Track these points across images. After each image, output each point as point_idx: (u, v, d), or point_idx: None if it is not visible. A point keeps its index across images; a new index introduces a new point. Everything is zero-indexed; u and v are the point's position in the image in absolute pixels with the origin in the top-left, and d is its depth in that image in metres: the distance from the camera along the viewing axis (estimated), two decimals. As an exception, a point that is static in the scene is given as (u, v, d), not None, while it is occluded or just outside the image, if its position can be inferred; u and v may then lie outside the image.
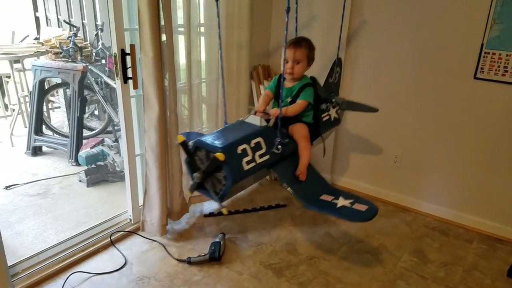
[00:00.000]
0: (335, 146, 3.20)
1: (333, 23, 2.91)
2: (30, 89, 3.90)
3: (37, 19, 5.44)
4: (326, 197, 1.91)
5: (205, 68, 2.65)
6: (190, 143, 1.81)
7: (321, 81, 2.47)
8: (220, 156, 1.64)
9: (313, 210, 1.93)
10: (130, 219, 2.57)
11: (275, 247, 2.46)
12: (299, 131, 2.09)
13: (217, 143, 1.75)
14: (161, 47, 2.14)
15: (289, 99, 2.14)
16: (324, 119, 2.30)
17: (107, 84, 3.99)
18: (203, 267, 2.25)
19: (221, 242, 2.35)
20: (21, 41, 4.68)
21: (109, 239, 2.41)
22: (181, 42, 2.42)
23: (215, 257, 2.26)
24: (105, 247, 2.38)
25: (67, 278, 2.10)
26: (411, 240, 2.59)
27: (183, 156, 1.84)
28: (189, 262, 2.26)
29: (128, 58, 2.18)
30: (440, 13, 2.52)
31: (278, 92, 2.08)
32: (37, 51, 4.00)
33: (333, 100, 2.38)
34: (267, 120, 2.02)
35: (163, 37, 2.13)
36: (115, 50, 2.17)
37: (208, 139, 1.81)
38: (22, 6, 5.37)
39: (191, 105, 2.55)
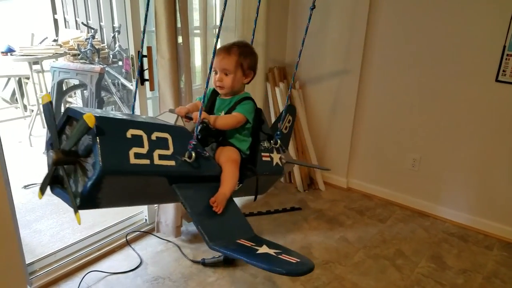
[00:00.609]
0: (351, 149, 3.17)
1: (348, 29, 2.89)
2: (49, 90, 3.96)
3: (55, 21, 5.53)
4: (244, 242, 1.40)
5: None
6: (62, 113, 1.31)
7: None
8: (89, 118, 1.12)
9: (221, 253, 1.47)
10: (146, 220, 2.59)
11: (289, 250, 2.45)
12: (227, 152, 1.61)
13: (99, 112, 1.27)
14: (177, 49, 2.15)
15: (222, 113, 1.69)
16: (264, 159, 1.80)
17: (124, 86, 4.03)
18: (217, 269, 2.24)
19: (236, 245, 2.34)
20: (40, 43, 4.77)
21: (124, 239, 2.43)
22: (197, 44, 2.42)
23: (230, 259, 2.26)
24: (120, 247, 2.40)
25: (84, 277, 2.13)
26: (429, 246, 2.54)
27: (38, 133, 1.29)
28: (203, 263, 2.26)
29: (145, 60, 2.19)
30: (461, 14, 2.48)
31: (211, 105, 1.71)
32: (56, 53, 4.06)
33: (278, 144, 1.89)
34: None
35: (180, 39, 2.14)
36: (132, 52, 2.19)
37: (91, 110, 1.27)
38: (41, 8, 5.47)
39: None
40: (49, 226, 2.62)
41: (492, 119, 2.52)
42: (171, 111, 1.63)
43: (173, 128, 1.43)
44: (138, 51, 2.14)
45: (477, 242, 2.61)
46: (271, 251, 1.35)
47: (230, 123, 1.62)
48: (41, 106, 4.11)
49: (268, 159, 1.83)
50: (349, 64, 2.96)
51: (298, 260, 1.29)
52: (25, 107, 4.79)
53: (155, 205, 2.54)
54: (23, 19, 5.26)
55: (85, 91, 3.92)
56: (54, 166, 1.23)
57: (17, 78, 4.63)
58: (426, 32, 2.62)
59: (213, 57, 1.51)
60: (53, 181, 1.31)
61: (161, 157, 1.33)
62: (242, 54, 1.66)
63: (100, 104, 3.64)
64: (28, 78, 4.51)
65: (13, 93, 5.00)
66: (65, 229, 2.58)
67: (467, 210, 2.74)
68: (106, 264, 2.25)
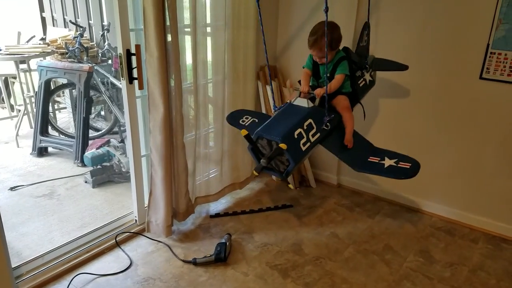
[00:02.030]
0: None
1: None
2: (36, 89, 3.92)
3: (43, 19, 5.47)
4: (373, 159, 2.03)
5: (211, 68, 2.65)
6: (253, 136, 1.94)
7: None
8: (283, 146, 1.78)
9: (365, 173, 2.03)
10: (136, 220, 2.57)
11: (281, 247, 2.46)
12: (341, 103, 2.17)
13: (276, 132, 1.87)
14: (166, 47, 2.14)
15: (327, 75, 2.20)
16: (361, 85, 2.37)
17: (113, 85, 4.00)
18: (208, 268, 2.25)
19: (227, 243, 2.35)
20: (27, 41, 4.70)
21: (114, 240, 2.42)
22: (187, 42, 2.41)
23: (221, 258, 2.26)
24: (110, 248, 2.38)
25: (72, 280, 2.11)
26: (417, 240, 2.58)
27: (246, 143, 1.96)
28: (194, 263, 2.26)
29: (134, 58, 2.18)
30: (445, 13, 2.50)
31: (315, 69, 2.21)
32: (43, 52, 4.02)
33: (366, 65, 2.44)
34: (312, 99, 2.12)
35: (169, 37, 2.13)
36: (120, 50, 2.17)
37: (266, 129, 1.93)
38: (28, 6, 5.40)
39: (197, 105, 2.55)
40: (37, 228, 2.59)
41: (477, 116, 2.56)
42: (296, 89, 2.22)
43: (311, 113, 2.00)
44: (127, 50, 2.15)
45: (463, 236, 2.65)
46: (392, 162, 1.96)
47: (338, 84, 2.14)
48: (28, 106, 4.06)
49: (363, 82, 2.38)
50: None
51: (410, 164, 1.93)
52: (11, 107, 4.73)
53: (145, 206, 2.54)
54: (9, 17, 5.18)
55: (73, 90, 3.88)
56: (265, 165, 1.88)
57: (3, 78, 4.57)
58: (410, 31, 2.64)
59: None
60: (262, 169, 1.92)
61: (312, 135, 1.96)
62: (327, 38, 1.94)
63: (89, 103, 3.60)
64: (15, 78, 4.45)
65: (-1, 93, 4.93)
66: (53, 231, 2.56)
67: (453, 205, 2.79)
68: (96, 266, 2.24)
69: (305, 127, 1.95)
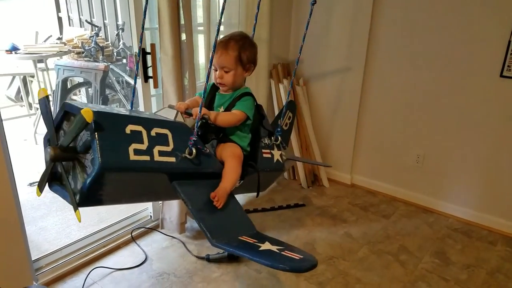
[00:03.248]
0: (355, 145, 3.17)
1: (353, 26, 2.88)
2: (54, 88, 3.98)
3: (59, 19, 5.56)
4: (246, 239, 1.40)
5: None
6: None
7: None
8: (87, 113, 1.10)
9: (223, 249, 1.37)
10: (151, 216, 2.60)
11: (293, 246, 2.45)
12: (230, 149, 1.59)
13: (97, 108, 1.23)
14: (180, 46, 2.16)
15: (221, 109, 1.65)
16: (265, 155, 1.79)
17: (128, 83, 4.05)
18: (221, 265, 2.26)
19: (240, 241, 2.35)
20: (44, 41, 4.78)
21: (130, 235, 2.45)
22: (200, 41, 2.42)
23: (234, 255, 2.27)
24: (126, 243, 2.42)
25: (89, 273, 2.15)
26: (433, 241, 2.54)
27: (43, 131, 1.28)
28: (208, 259, 2.28)
29: (149, 57, 2.20)
30: (465, 10, 2.47)
31: (210, 101, 1.68)
32: (60, 51, 4.08)
33: (279, 140, 1.89)
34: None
35: (183, 36, 2.15)
36: (135, 49, 2.19)
37: (83, 105, 1.25)
38: (45, 6, 5.49)
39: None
40: (55, 223, 2.64)
41: (497, 115, 2.51)
42: (170, 106, 1.61)
43: (173, 124, 1.41)
44: (142, 48, 2.17)
45: (480, 237, 2.61)
46: (274, 248, 1.32)
47: (231, 121, 1.59)
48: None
49: (269, 155, 1.82)
50: (353, 61, 2.95)
51: (301, 256, 1.27)
52: (30, 105, 4.81)
53: (160, 202, 2.56)
54: (27, 17, 5.28)
55: (89, 89, 3.94)
56: (52, 162, 1.22)
57: (21, 76, 4.65)
58: (431, 28, 2.61)
59: (213, 52, 1.45)
60: (52, 178, 1.30)
61: (161, 153, 1.31)
62: (241, 48, 1.60)
63: (105, 102, 3.65)
64: (33, 76, 4.53)
65: (18, 91, 5.02)
66: (71, 225, 2.60)
67: (471, 206, 2.74)
68: (112, 260, 2.27)
69: (152, 133, 1.29)
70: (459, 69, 2.57)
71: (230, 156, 1.56)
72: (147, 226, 2.55)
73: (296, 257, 1.26)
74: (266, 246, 1.34)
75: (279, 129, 1.91)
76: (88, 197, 1.22)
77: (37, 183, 1.34)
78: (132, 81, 3.90)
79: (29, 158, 3.68)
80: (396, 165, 3.02)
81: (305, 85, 3.21)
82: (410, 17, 2.67)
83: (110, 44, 4.54)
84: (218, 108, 1.66)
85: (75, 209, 1.23)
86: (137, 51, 2.16)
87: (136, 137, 1.25)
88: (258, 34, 2.71)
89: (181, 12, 2.09)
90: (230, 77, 1.61)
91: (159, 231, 2.54)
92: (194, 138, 1.39)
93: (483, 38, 2.44)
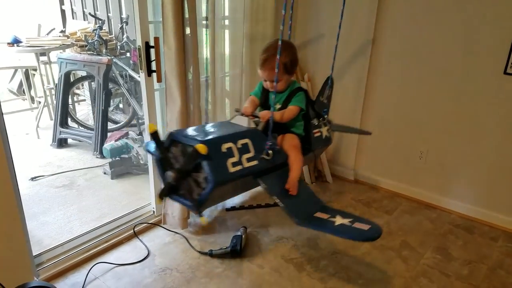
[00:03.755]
0: (359, 141, 3.16)
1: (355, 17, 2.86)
2: (56, 81, 3.98)
3: (63, 12, 5.54)
4: (321, 215, 1.71)
5: (229, 61, 2.64)
6: (163, 138, 1.61)
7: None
8: (201, 148, 1.39)
9: (307, 228, 1.71)
10: (153, 211, 2.61)
11: (296, 241, 2.46)
12: (290, 141, 1.88)
13: (198, 137, 1.51)
14: (184, 40, 2.14)
15: (278, 106, 1.92)
16: (316, 135, 2.11)
17: (131, 78, 4.04)
18: (224, 260, 2.26)
19: (243, 236, 2.36)
20: (47, 34, 4.77)
21: (132, 231, 2.45)
22: (205, 35, 2.41)
23: (237, 251, 2.27)
24: (128, 239, 2.42)
25: (91, 269, 2.14)
26: (435, 237, 2.55)
27: (154, 152, 1.57)
28: (210, 254, 2.28)
29: (153, 51, 2.19)
30: (469, 6, 2.44)
31: (265, 99, 1.93)
32: (63, 44, 4.07)
33: (325, 117, 2.22)
34: (256, 123, 1.86)
35: (187, 30, 2.14)
36: (139, 43, 2.18)
37: (186, 132, 1.59)
38: (48, -1, 5.48)
39: (215, 99, 2.55)
40: (57, 218, 2.64)
41: (500, 112, 2.50)
42: (237, 110, 1.92)
43: (249, 133, 1.70)
44: (146, 42, 2.16)
45: (482, 233, 2.61)
46: (346, 221, 1.63)
47: (290, 116, 1.89)
48: (48, 98, 4.14)
49: (319, 134, 2.14)
50: (358, 56, 2.94)
51: (369, 226, 1.58)
52: (32, 99, 4.82)
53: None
54: (30, 10, 5.26)
55: (92, 83, 3.93)
56: (174, 183, 1.53)
57: (24, 70, 4.65)
58: (435, 24, 2.59)
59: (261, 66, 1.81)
60: (169, 192, 1.59)
61: (248, 160, 1.62)
62: (283, 59, 1.76)
63: (108, 96, 3.64)
64: (35, 70, 4.52)
65: (20, 85, 5.02)
66: (73, 221, 2.61)
67: (473, 202, 2.74)
68: (114, 256, 2.27)
69: (239, 145, 1.58)
70: (463, 65, 2.56)
71: (292, 148, 1.85)
72: (149, 222, 2.55)
73: (365, 228, 1.57)
74: (338, 220, 1.66)
75: (325, 109, 2.24)
76: (203, 204, 1.54)
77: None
78: (135, 75, 3.92)
79: (31, 153, 3.69)
80: (399, 161, 3.01)
81: (309, 81, 3.20)
82: (415, 13, 2.65)
83: (113, 38, 4.53)
84: (274, 105, 1.86)
85: (199, 214, 1.57)
86: (141, 45, 2.16)
87: (230, 152, 1.55)
88: (264, 30, 2.70)
89: (185, 5, 2.07)
90: (279, 86, 1.86)
91: (161, 227, 2.54)
92: (270, 143, 1.69)
93: (487, 35, 2.42)
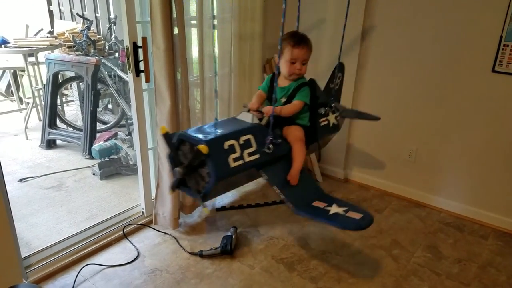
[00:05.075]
0: (349, 140, 3.17)
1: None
2: (44, 82, 3.94)
3: (50, 12, 5.49)
4: (318, 204, 1.80)
5: (218, 61, 2.63)
6: (173, 138, 1.74)
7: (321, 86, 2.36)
8: (203, 148, 1.54)
9: (303, 216, 1.86)
10: (143, 212, 2.59)
11: (287, 241, 2.46)
12: (294, 133, 1.94)
13: (202, 136, 1.66)
14: (173, 40, 2.13)
15: (283, 99, 1.99)
16: (322, 124, 2.16)
17: (120, 78, 4.01)
18: (215, 261, 2.25)
19: (233, 236, 2.35)
20: (35, 34, 4.72)
21: (122, 232, 2.43)
22: (193, 35, 2.40)
23: (227, 251, 2.26)
24: (118, 240, 2.40)
25: (80, 270, 2.13)
26: (425, 236, 2.56)
27: (166, 150, 1.74)
28: (201, 255, 2.27)
29: (141, 51, 2.17)
30: (457, 4, 2.46)
31: (271, 93, 1.94)
32: (51, 45, 4.03)
33: (333, 105, 2.26)
34: (260, 119, 1.91)
35: (175, 30, 2.12)
36: (127, 43, 2.16)
37: (193, 132, 1.73)
38: (36, -1, 5.42)
39: (204, 98, 2.54)
40: (46, 219, 2.61)
41: (488, 110, 2.52)
42: (245, 105, 1.95)
43: (252, 129, 1.78)
44: (134, 42, 2.14)
45: (472, 231, 2.63)
46: (340, 210, 1.71)
47: (294, 111, 1.94)
48: (37, 99, 4.09)
49: (326, 122, 2.18)
50: (347, 56, 2.93)
51: (362, 215, 1.67)
52: (20, 100, 4.76)
53: (152, 198, 2.55)
54: (17, 10, 5.20)
55: (81, 83, 3.90)
56: (180, 176, 1.67)
57: (12, 71, 4.59)
58: (423, 23, 2.60)
59: (280, 47, 1.82)
60: (179, 184, 1.74)
61: (249, 154, 1.71)
62: (311, 46, 1.97)
63: (96, 96, 3.61)
64: (23, 71, 4.47)
65: (8, 86, 4.96)
66: (62, 222, 2.58)
67: (463, 200, 2.76)
68: (103, 257, 2.25)
69: (241, 142, 1.70)
70: (451, 64, 2.57)
71: (295, 140, 1.90)
72: (139, 223, 2.53)
73: (357, 217, 1.66)
74: (334, 209, 1.74)
75: (332, 98, 2.26)
76: (207, 196, 1.71)
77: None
78: (124, 76, 3.89)
79: (20, 154, 3.64)
80: (389, 160, 3.02)
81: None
82: (403, 12, 2.66)
83: (102, 38, 4.49)
84: (280, 99, 1.98)
85: (203, 205, 1.72)
86: (129, 45, 2.14)
87: (231, 149, 1.66)
88: (252, 28, 2.69)
89: (173, 5, 2.06)
90: (305, 69, 1.98)
91: (151, 227, 2.52)
92: (271, 138, 1.77)
93: (475, 33, 2.44)
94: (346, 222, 1.67)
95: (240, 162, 1.68)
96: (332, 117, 2.23)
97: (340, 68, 2.40)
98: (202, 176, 1.66)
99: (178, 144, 1.71)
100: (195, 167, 1.66)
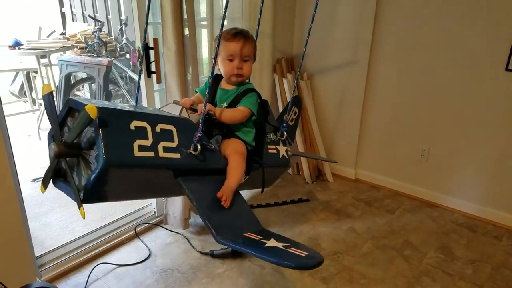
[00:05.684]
0: (360, 140, 3.15)
1: (357, 18, 2.85)
2: (57, 83, 3.98)
3: (63, 14, 5.55)
4: (251, 235, 1.37)
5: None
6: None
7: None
8: (91, 109, 1.09)
9: (229, 247, 1.44)
10: (154, 212, 2.60)
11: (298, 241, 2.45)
12: (233, 145, 1.55)
13: (101, 104, 1.21)
14: (183, 41, 2.14)
15: (224, 105, 1.60)
16: (270, 151, 1.75)
17: (131, 79, 4.04)
18: (225, 260, 2.26)
19: (244, 236, 2.35)
20: (48, 36, 4.78)
21: (133, 231, 2.45)
22: (204, 35, 2.41)
23: (238, 251, 2.27)
24: (129, 239, 2.42)
25: (93, 269, 2.15)
26: (438, 236, 2.53)
27: (47, 126, 1.32)
28: (212, 255, 2.28)
29: (152, 52, 2.19)
30: (471, 3, 2.43)
31: (212, 97, 1.62)
32: (63, 46, 4.08)
33: (284, 134, 1.82)
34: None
35: (186, 31, 2.13)
36: (138, 44, 2.18)
37: (87, 100, 1.25)
38: (48, 1, 5.49)
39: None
40: (59, 219, 2.65)
41: (502, 108, 2.49)
42: (175, 102, 1.62)
43: (178, 120, 1.38)
44: (145, 43, 2.15)
45: (486, 232, 2.59)
46: (279, 245, 1.30)
47: (237, 117, 1.55)
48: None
49: (275, 151, 1.78)
50: (358, 54, 2.93)
51: (307, 253, 1.25)
52: (33, 101, 4.82)
53: (164, 198, 2.56)
54: (30, 12, 5.27)
55: (93, 84, 3.94)
56: (56, 158, 1.21)
57: (25, 72, 4.66)
58: (436, 21, 2.58)
59: (218, 44, 1.42)
60: (56, 175, 1.31)
61: (166, 149, 1.29)
62: (255, 42, 1.62)
63: (108, 97, 3.65)
64: (36, 72, 4.53)
65: (22, 87, 5.02)
66: (75, 221, 2.61)
67: (476, 201, 2.72)
68: (115, 256, 2.27)
69: (157, 129, 1.28)
70: (464, 63, 2.54)
71: (234, 152, 1.52)
72: (150, 222, 2.55)
73: (302, 254, 1.24)
74: (271, 243, 1.31)
75: (284, 124, 1.83)
76: (92, 193, 1.22)
77: (41, 179, 1.34)
78: (135, 77, 3.92)
79: (33, 154, 3.69)
80: (401, 159, 3.00)
81: (309, 79, 3.19)
82: (416, 10, 2.64)
83: (113, 39, 4.53)
84: (221, 103, 1.61)
85: (79, 205, 1.22)
86: (140, 46, 2.16)
87: (140, 133, 1.23)
88: (262, 28, 2.68)
89: (184, 6, 2.08)
90: (248, 68, 1.58)
91: (162, 227, 2.54)
92: (199, 134, 1.37)
93: (489, 31, 2.41)
94: (289, 258, 1.22)
95: (149, 154, 1.23)
96: (282, 148, 1.82)
97: (296, 102, 2.08)
98: (89, 162, 1.19)
99: (65, 115, 1.28)
100: (79, 146, 1.20)
